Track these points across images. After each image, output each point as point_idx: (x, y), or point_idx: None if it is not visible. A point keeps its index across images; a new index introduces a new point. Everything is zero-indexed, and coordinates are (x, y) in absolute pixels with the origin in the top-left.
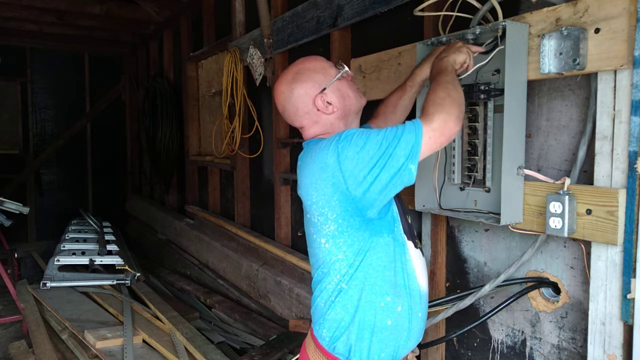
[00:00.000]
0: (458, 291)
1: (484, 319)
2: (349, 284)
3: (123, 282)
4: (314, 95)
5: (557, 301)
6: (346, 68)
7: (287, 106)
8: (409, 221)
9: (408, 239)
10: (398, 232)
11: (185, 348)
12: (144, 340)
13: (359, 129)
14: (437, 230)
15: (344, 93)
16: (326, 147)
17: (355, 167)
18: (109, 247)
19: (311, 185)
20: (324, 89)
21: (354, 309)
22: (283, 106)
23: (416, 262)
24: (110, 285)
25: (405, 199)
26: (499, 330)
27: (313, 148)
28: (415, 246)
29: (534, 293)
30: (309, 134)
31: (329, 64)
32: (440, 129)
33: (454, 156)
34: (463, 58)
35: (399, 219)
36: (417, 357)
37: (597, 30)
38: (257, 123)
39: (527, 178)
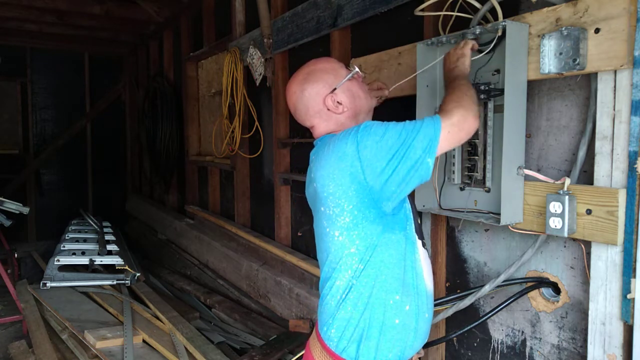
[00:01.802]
0: (458, 291)
1: (484, 319)
2: (359, 280)
3: (123, 282)
4: (325, 95)
5: (557, 301)
6: (357, 69)
7: (298, 106)
8: (419, 221)
9: (418, 238)
10: (410, 230)
11: (185, 348)
12: (144, 340)
13: (377, 120)
14: (437, 230)
15: (354, 93)
16: (345, 137)
17: (374, 156)
18: (109, 247)
19: (328, 176)
20: (335, 89)
21: (364, 306)
22: (295, 106)
23: (424, 262)
24: (110, 285)
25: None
26: (499, 330)
27: (330, 141)
28: (423, 246)
29: (534, 293)
30: (319, 132)
31: (339, 64)
32: (459, 124)
33: (454, 156)
34: (468, 60)
35: (412, 217)
36: (420, 358)
37: (597, 30)
38: (257, 123)
39: (527, 178)
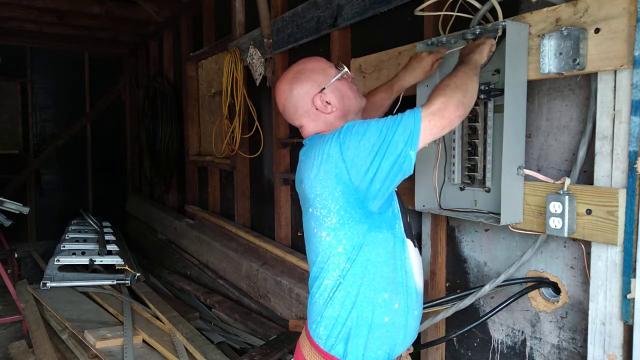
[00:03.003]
0: (458, 291)
1: (484, 319)
2: (347, 279)
3: (123, 282)
4: (313, 95)
5: (557, 301)
6: (346, 69)
7: (287, 105)
8: (408, 220)
9: (407, 237)
10: (399, 229)
11: (185, 348)
12: (144, 340)
13: (360, 120)
14: (437, 230)
15: (343, 93)
16: (329, 139)
17: (357, 156)
18: (109, 247)
19: (315, 177)
20: (323, 88)
21: (352, 304)
22: (283, 105)
23: (414, 260)
24: (110, 285)
25: (405, 199)
26: (499, 330)
27: (317, 142)
28: (414, 245)
29: (534, 293)
30: (308, 131)
31: (329, 64)
32: (439, 112)
33: (454, 156)
34: (486, 50)
35: (400, 216)
36: (410, 354)
37: (597, 30)
38: (257, 123)
39: (527, 178)
